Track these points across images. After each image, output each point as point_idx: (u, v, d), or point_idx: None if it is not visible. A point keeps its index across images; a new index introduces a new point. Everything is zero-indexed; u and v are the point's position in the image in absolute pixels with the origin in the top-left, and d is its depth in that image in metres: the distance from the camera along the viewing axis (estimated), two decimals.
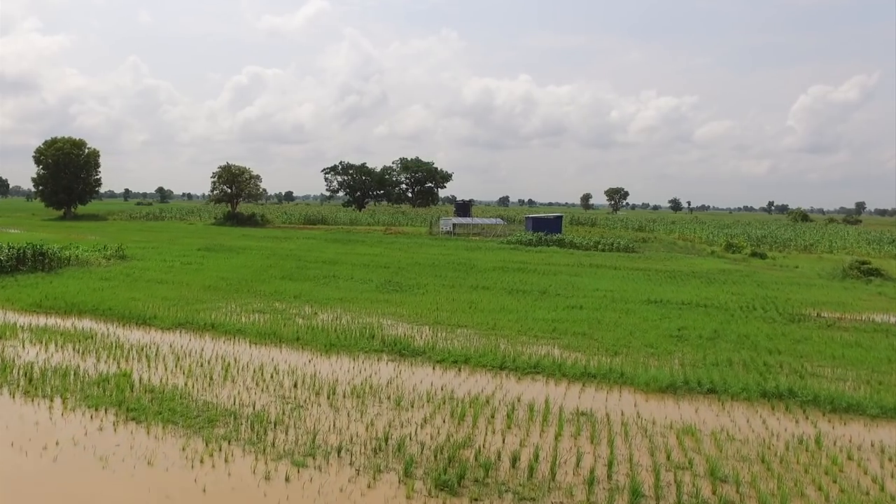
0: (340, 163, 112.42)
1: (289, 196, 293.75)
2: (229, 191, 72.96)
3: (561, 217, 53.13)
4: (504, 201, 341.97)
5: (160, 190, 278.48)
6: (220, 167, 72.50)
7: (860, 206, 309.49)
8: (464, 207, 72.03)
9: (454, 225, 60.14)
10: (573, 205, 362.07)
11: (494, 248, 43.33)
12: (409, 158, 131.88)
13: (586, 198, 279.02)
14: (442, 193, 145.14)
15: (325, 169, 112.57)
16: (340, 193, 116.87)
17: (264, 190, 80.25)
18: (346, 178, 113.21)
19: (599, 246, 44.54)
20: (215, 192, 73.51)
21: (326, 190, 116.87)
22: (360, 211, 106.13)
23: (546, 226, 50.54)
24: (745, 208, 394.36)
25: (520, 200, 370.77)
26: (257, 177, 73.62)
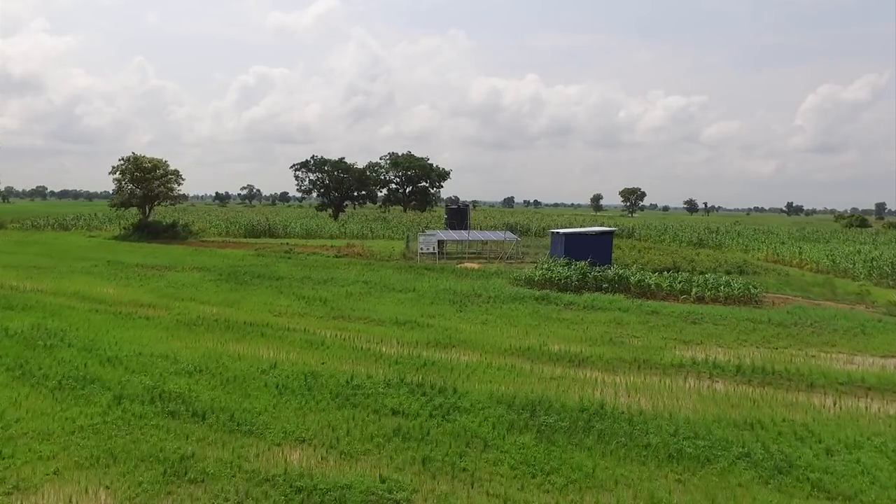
0: (313, 157, 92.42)
1: (283, 197, 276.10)
2: (139, 192, 53.06)
3: (611, 235, 32.93)
4: (509, 202, 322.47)
5: None
6: (123, 159, 52.34)
7: (881, 207, 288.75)
8: (459, 215, 51.80)
9: (441, 242, 40.21)
10: (581, 205, 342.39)
11: (505, 298, 23.39)
12: (399, 154, 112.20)
13: (597, 199, 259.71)
14: (443, 194, 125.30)
15: (294, 165, 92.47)
16: (314, 194, 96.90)
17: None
18: (320, 175, 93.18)
19: (694, 291, 24.52)
20: (122, 194, 53.57)
21: (297, 190, 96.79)
22: (335, 217, 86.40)
23: (587, 248, 30.62)
24: (756, 209, 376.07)
25: (525, 201, 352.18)
26: (175, 173, 53.59)
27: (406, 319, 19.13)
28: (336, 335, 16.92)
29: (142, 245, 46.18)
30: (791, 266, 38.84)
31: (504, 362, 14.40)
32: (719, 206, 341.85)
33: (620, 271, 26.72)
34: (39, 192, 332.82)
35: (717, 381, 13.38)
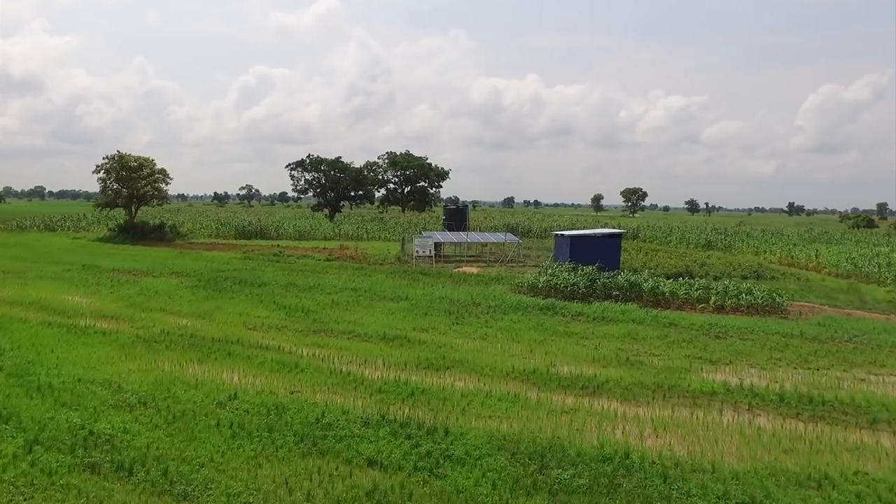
0: (308, 156, 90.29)
1: (282, 197, 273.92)
2: (125, 192, 50.94)
3: (619, 237, 30.83)
4: (509, 202, 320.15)
5: None
6: (108, 158, 50.24)
7: (882, 207, 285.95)
8: (457, 216, 49.74)
9: (438, 244, 38.11)
10: (581, 205, 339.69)
11: (507, 308, 21.27)
12: (398, 153, 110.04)
13: (597, 199, 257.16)
14: (443, 194, 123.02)
15: (289, 164, 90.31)
16: (310, 194, 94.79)
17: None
18: (316, 175, 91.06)
19: (713, 300, 22.39)
20: (107, 194, 51.44)
21: (293, 190, 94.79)
22: (331, 217, 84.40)
23: (594, 252, 28.50)
24: (757, 209, 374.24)
25: (525, 201, 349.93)
26: (163, 172, 51.45)
27: (395, 334, 17.01)
28: (314, 354, 14.80)
29: (125, 247, 44.12)
30: (808, 270, 36.70)
31: (506, 390, 12.28)
32: (720, 206, 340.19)
33: (632, 277, 24.61)
34: (38, 193, 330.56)
35: (759, 415, 11.27)
